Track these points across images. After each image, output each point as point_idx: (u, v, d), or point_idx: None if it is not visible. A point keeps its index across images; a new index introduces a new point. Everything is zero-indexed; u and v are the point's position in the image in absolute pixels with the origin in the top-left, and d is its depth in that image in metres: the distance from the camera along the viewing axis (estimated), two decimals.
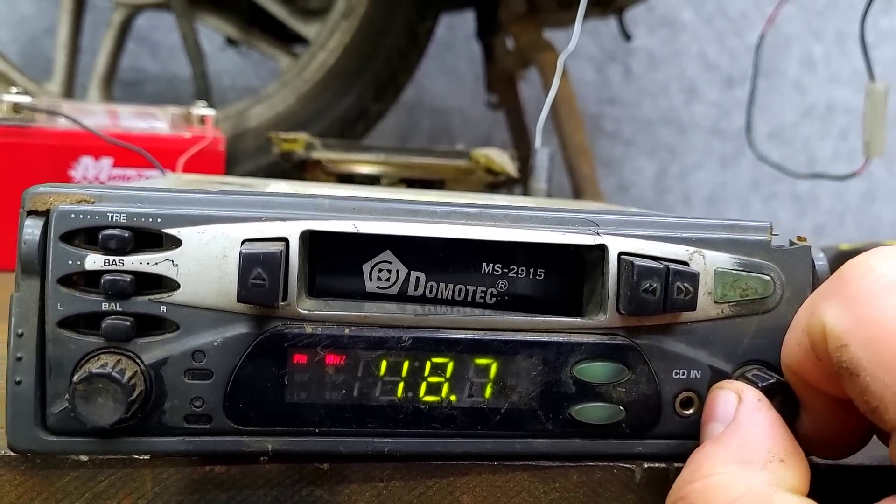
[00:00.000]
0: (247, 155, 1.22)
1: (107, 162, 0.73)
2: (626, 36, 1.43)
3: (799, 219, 1.93)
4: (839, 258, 0.95)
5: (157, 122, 0.76)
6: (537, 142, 0.78)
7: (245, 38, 1.34)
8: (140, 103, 1.76)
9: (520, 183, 0.91)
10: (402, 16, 1.26)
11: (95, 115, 0.74)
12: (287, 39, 1.40)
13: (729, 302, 0.35)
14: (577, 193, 1.11)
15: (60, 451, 0.32)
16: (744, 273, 0.35)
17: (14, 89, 0.71)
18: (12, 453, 0.32)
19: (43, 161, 0.71)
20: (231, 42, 1.47)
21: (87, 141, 0.72)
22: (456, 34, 1.74)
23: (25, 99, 0.70)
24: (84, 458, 0.33)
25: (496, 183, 0.88)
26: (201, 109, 0.77)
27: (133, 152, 0.72)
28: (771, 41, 1.88)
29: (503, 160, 0.81)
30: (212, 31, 1.39)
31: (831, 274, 0.33)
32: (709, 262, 0.35)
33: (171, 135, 0.76)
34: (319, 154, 0.80)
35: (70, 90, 1.30)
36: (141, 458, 0.33)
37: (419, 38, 1.29)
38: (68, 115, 0.70)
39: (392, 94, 1.30)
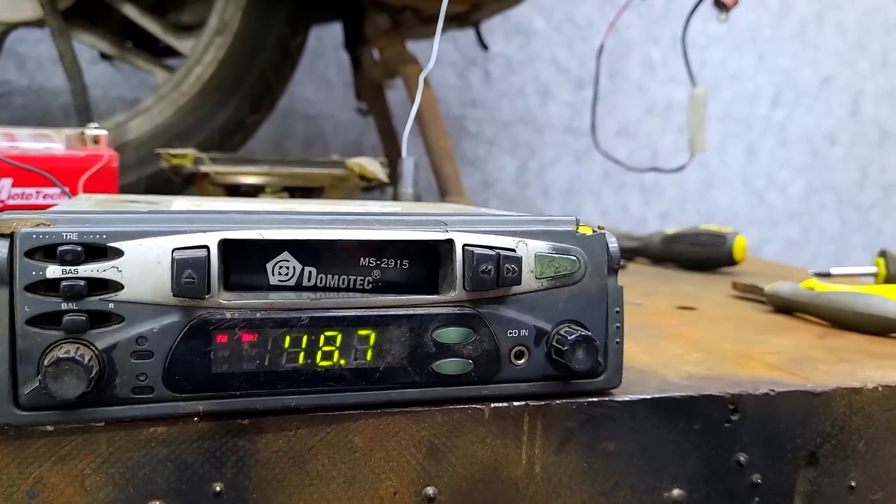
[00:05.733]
0: (127, 167, 1.26)
1: (6, 182, 0.79)
2: (484, 46, 1.56)
3: (646, 206, 2.13)
4: (665, 241, 1.11)
5: (52, 143, 0.82)
6: (403, 151, 0.89)
7: (120, 53, 1.39)
8: (8, 116, 1.75)
9: (390, 185, 1.02)
10: (274, 31, 1.34)
11: None
12: (160, 53, 1.45)
13: (547, 277, 0.47)
14: (443, 193, 1.23)
15: (31, 423, 0.40)
16: (556, 255, 0.47)
17: None
18: None
19: None
20: (105, 57, 1.51)
21: None
22: (324, 44, 1.83)
23: None
24: (50, 428, 0.41)
25: (369, 187, 0.98)
26: (94, 130, 0.83)
27: (31, 173, 0.78)
28: (615, 46, 2.06)
29: (375, 168, 0.91)
30: (85, 47, 1.42)
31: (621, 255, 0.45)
32: (530, 249, 0.47)
33: (67, 154, 0.82)
34: (207, 167, 0.88)
35: None
36: (97, 424, 0.42)
37: (292, 52, 1.38)
38: None
39: (268, 105, 1.38)
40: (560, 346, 0.47)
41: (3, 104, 1.75)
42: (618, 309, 0.49)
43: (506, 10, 1.43)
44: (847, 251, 2.42)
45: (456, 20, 1.38)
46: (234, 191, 0.91)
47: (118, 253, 0.41)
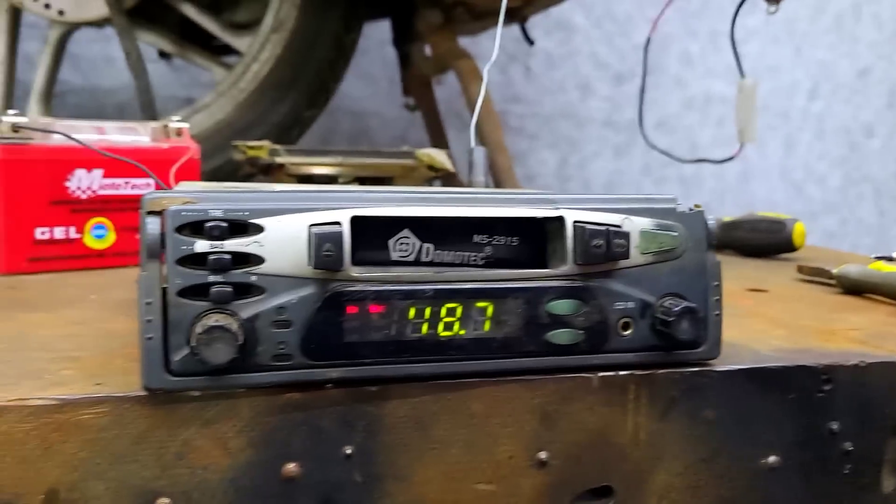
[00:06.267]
0: None
1: (98, 173, 0.82)
2: (530, 41, 1.58)
3: (686, 198, 2.13)
4: (723, 228, 1.13)
5: (138, 135, 0.85)
6: (472, 141, 0.92)
7: (179, 51, 1.42)
8: (65, 115, 1.80)
9: (454, 177, 1.04)
10: (329, 28, 1.37)
11: (83, 130, 0.83)
12: (216, 51, 1.49)
13: (651, 252, 0.50)
14: (498, 185, 1.25)
15: (181, 388, 0.43)
16: (660, 231, 0.50)
17: (11, 111, 0.79)
18: (144, 392, 0.43)
19: (41, 175, 0.79)
20: (163, 55, 1.55)
21: (79, 155, 0.81)
22: (370, 41, 1.86)
23: (23, 119, 0.78)
24: (196, 393, 0.44)
25: (435, 177, 1.01)
26: (177, 123, 0.87)
27: (120, 163, 0.81)
28: (653, 40, 2.08)
29: (443, 158, 0.94)
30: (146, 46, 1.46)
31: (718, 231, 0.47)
32: (636, 225, 0.49)
33: (154, 147, 0.85)
34: (283, 158, 0.91)
35: (10, 106, 1.35)
36: (239, 390, 0.44)
37: (345, 49, 1.41)
38: (63, 133, 0.79)
39: (323, 100, 1.42)
40: (665, 318, 0.49)
41: (60, 103, 1.80)
42: (716, 282, 0.51)
43: (554, 5, 1.45)
44: (885, 242, 2.42)
45: (506, 15, 1.40)
46: (308, 181, 0.94)
47: (259, 229, 0.43)
